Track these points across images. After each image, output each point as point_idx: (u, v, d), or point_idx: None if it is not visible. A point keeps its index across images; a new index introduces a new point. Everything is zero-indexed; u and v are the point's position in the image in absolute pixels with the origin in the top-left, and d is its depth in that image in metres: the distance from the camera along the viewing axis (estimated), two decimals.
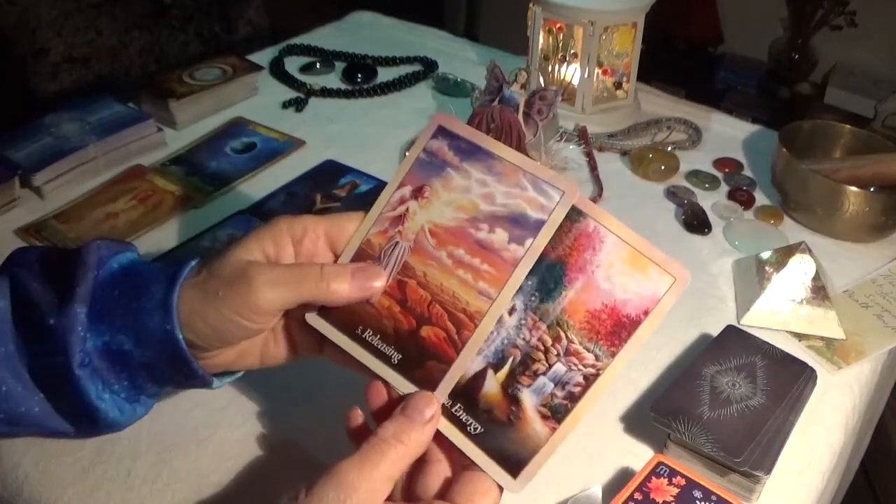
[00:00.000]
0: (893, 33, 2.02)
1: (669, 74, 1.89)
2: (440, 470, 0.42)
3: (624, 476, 0.55)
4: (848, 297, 0.72)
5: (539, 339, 0.42)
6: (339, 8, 1.28)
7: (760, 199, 0.86)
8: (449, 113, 0.48)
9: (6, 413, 0.46)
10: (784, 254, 0.70)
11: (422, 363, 0.43)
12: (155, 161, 0.87)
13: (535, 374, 0.42)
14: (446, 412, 0.43)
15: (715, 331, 0.63)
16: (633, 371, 0.63)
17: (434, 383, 0.43)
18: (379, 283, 0.44)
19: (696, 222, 0.81)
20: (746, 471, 0.51)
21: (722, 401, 0.55)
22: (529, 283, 0.43)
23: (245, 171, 0.86)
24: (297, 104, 1.00)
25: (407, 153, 0.89)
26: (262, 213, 0.79)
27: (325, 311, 0.45)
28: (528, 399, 0.42)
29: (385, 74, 1.08)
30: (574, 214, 0.43)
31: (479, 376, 0.43)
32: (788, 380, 0.57)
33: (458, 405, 0.43)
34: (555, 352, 0.42)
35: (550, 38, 0.97)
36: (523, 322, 0.43)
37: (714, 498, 0.48)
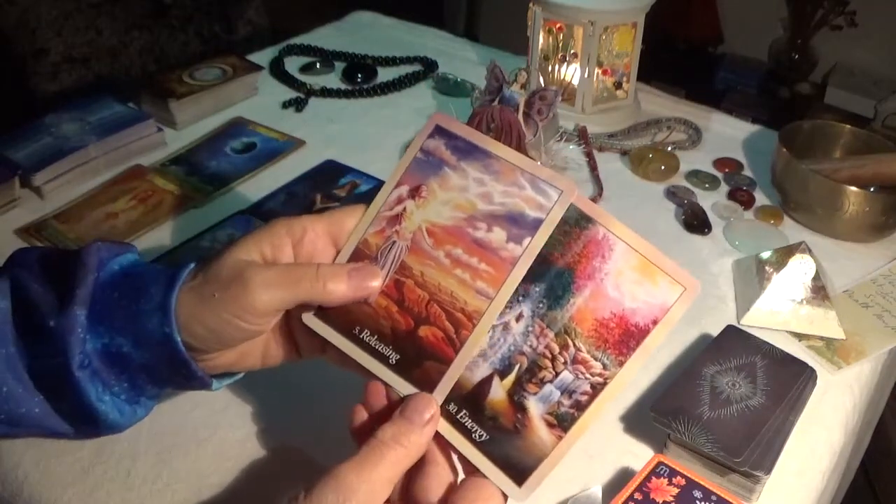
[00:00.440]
0: (893, 33, 2.02)
1: (669, 74, 1.89)
2: (439, 472, 0.42)
3: (624, 476, 0.55)
4: (848, 297, 0.72)
5: (546, 347, 0.42)
6: (339, 8, 1.28)
7: (760, 199, 0.86)
8: (449, 113, 0.48)
9: (7, 414, 0.46)
10: (784, 254, 0.70)
11: (420, 363, 0.43)
12: (155, 161, 0.87)
13: (542, 382, 0.42)
14: (451, 418, 0.42)
15: (715, 331, 0.63)
16: None
17: (432, 384, 0.43)
18: (376, 283, 0.44)
19: (696, 222, 0.81)
20: (746, 471, 0.51)
21: (722, 401, 0.55)
22: (537, 289, 0.42)
23: (245, 171, 0.86)
24: (297, 104, 1.00)
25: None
26: (261, 213, 0.79)
27: (322, 311, 0.45)
28: (535, 407, 0.41)
29: (385, 74, 1.08)
30: (583, 221, 0.43)
31: (486, 383, 0.42)
32: (788, 380, 0.57)
33: (464, 411, 0.42)
34: (562, 360, 0.42)
35: (550, 38, 0.97)
36: (530, 329, 0.42)
37: (714, 498, 0.48)
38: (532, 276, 0.43)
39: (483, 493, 0.40)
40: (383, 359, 0.44)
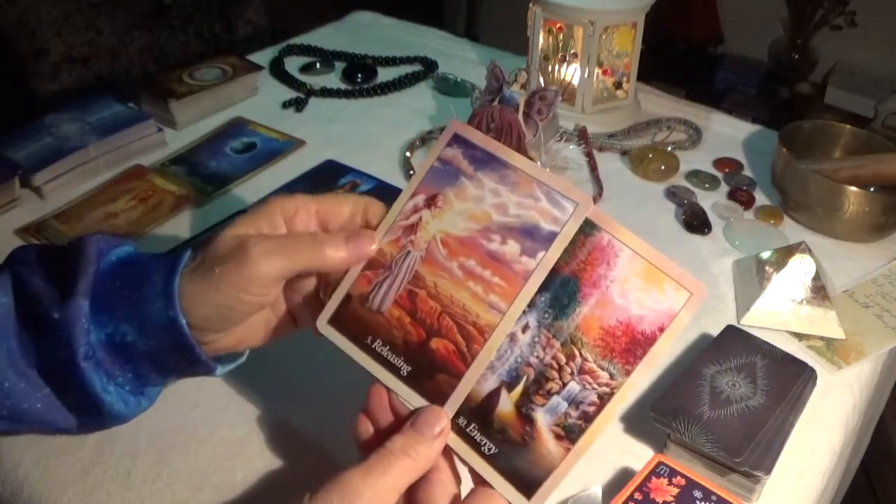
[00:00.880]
0: (893, 33, 2.02)
1: (669, 74, 1.89)
2: (442, 478, 0.42)
3: (624, 476, 0.54)
4: (848, 297, 0.72)
5: (553, 358, 0.42)
6: (339, 8, 1.28)
7: (760, 199, 0.86)
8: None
9: (9, 410, 0.46)
10: (784, 254, 0.70)
11: (432, 376, 0.43)
12: (155, 161, 0.87)
13: (549, 394, 0.41)
14: (461, 432, 0.42)
15: (715, 331, 0.63)
16: None
17: (444, 397, 0.43)
18: (373, 246, 0.45)
19: (696, 222, 0.81)
20: (746, 471, 0.51)
21: (722, 401, 0.55)
22: (543, 299, 0.42)
23: (245, 171, 0.86)
24: (297, 104, 1.00)
25: (407, 153, 0.89)
26: None
27: (335, 320, 0.45)
28: (542, 419, 0.41)
29: (385, 74, 1.08)
30: (588, 227, 0.42)
31: (494, 395, 0.42)
32: (788, 380, 0.57)
33: (473, 425, 0.42)
34: (569, 370, 0.41)
35: (550, 38, 0.97)
36: (537, 340, 0.42)
37: (714, 498, 0.48)
38: (538, 286, 0.42)
39: (492, 503, 0.41)
40: (395, 370, 0.44)
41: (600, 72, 0.96)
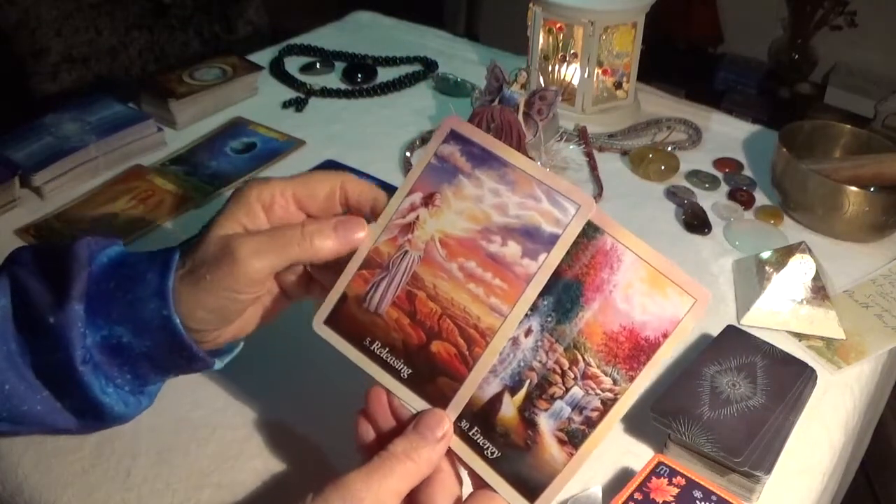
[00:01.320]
0: (893, 33, 2.02)
1: (669, 74, 1.89)
2: (444, 479, 0.42)
3: (624, 476, 0.54)
4: (848, 297, 0.72)
5: (556, 362, 0.41)
6: (339, 8, 1.28)
7: (760, 199, 0.86)
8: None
9: (9, 412, 0.46)
10: (784, 254, 0.70)
11: (433, 379, 0.43)
12: (155, 161, 0.87)
13: (552, 398, 0.41)
14: (463, 435, 0.42)
15: (715, 331, 0.63)
16: None
17: (445, 400, 0.42)
18: (362, 234, 0.44)
19: (696, 222, 0.81)
20: (746, 471, 0.51)
21: (722, 401, 0.55)
22: (545, 302, 0.42)
23: (245, 171, 0.86)
24: (297, 104, 1.00)
25: (407, 153, 0.89)
26: None
27: (332, 321, 0.45)
28: (545, 423, 0.41)
29: (385, 74, 1.08)
30: (590, 230, 0.42)
31: (496, 399, 0.42)
32: (788, 380, 0.57)
33: (476, 428, 0.42)
34: (572, 375, 0.41)
35: (550, 38, 0.97)
36: (540, 344, 0.42)
37: (714, 498, 0.48)
38: (540, 289, 0.42)
39: None
40: (395, 373, 0.43)
41: (600, 72, 0.96)
